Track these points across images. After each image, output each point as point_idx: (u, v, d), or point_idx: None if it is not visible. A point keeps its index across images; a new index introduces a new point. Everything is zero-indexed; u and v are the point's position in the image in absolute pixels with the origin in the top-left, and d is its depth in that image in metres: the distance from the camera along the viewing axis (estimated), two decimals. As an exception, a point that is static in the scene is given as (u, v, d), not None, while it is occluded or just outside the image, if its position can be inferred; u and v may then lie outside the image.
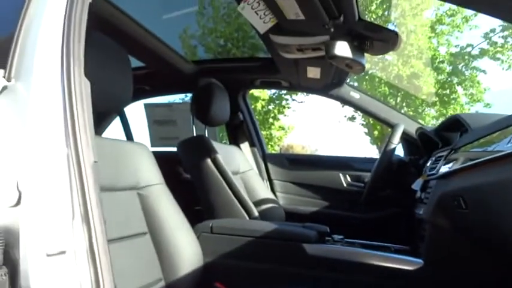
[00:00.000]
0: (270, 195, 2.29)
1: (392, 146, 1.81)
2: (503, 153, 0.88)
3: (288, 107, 11.54)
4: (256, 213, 1.83)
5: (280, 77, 2.22)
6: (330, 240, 1.54)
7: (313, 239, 1.47)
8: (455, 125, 1.53)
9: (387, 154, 1.82)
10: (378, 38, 1.47)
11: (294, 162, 2.53)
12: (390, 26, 10.65)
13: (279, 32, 1.49)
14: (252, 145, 2.53)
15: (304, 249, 1.44)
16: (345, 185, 2.30)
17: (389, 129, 2.07)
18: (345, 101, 2.26)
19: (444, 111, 10.19)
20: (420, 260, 1.34)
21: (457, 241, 1.26)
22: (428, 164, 1.56)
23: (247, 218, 1.80)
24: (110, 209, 0.80)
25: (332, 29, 1.39)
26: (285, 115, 11.75)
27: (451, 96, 10.05)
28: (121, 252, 1.10)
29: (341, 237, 1.58)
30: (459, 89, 10.00)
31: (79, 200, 0.67)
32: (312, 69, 1.89)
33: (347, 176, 2.32)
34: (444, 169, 1.34)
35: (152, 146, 2.77)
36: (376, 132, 12.70)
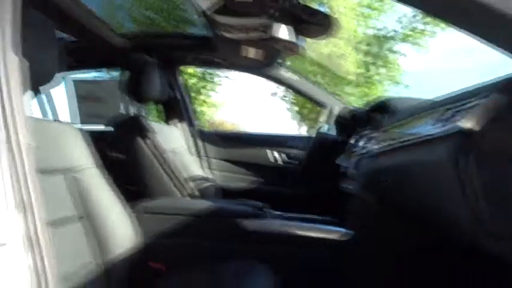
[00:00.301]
0: (206, 174, 2.30)
1: (326, 126, 1.90)
2: (426, 136, 0.98)
3: (220, 84, 11.45)
4: (193, 192, 1.84)
5: (218, 56, 2.20)
6: (266, 215, 1.60)
7: (250, 214, 1.53)
8: (383, 108, 1.65)
9: (321, 133, 1.91)
10: (315, 22, 1.51)
11: (229, 140, 2.56)
12: (322, 8, 10.92)
13: (222, 12, 1.48)
14: (186, 123, 2.50)
15: (241, 225, 1.48)
16: (279, 162, 2.38)
17: (320, 109, 2.17)
18: (282, 82, 2.32)
19: (367, 91, 10.81)
20: (351, 231, 1.46)
21: (383, 215, 1.38)
22: (356, 142, 1.68)
23: (185, 197, 1.81)
24: (42, 193, 0.75)
25: (275, 12, 1.41)
26: (216, 92, 11.67)
27: (375, 78, 10.68)
28: (55, 237, 1.05)
29: (276, 212, 1.65)
30: (382, 70, 10.64)
31: (16, 186, 0.63)
32: (251, 50, 1.90)
33: (281, 153, 2.40)
34: (372, 148, 1.44)
35: (80, 123, 2.62)
36: (305, 111, 13.16)
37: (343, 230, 1.48)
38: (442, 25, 9.31)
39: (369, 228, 1.43)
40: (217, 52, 2.11)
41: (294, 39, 1.55)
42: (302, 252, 1.47)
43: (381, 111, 1.66)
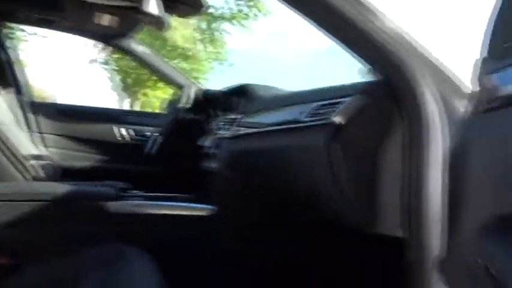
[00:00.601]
0: (42, 151, 2.03)
1: (182, 105, 1.92)
2: (300, 124, 1.13)
3: (25, 41, 9.77)
4: (37, 173, 1.61)
5: (61, 16, 1.91)
6: (128, 196, 1.55)
7: (112, 196, 1.46)
8: (241, 92, 1.77)
9: (177, 111, 1.92)
10: (186, 1, 1.50)
11: (66, 114, 2.30)
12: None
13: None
14: (13, 91, 2.12)
15: (103, 208, 1.41)
16: (127, 138, 2.27)
17: (147, 75, 2.16)
18: (132, 54, 2.19)
19: (194, 66, 11.06)
20: (214, 207, 1.55)
21: (245, 191, 1.52)
22: (219, 124, 1.76)
23: (27, 179, 1.57)
24: None
25: None
26: (21, 50, 9.93)
27: (202, 53, 10.99)
28: None
29: (138, 191, 1.60)
30: (209, 46, 11.01)
31: None
32: (106, 17, 1.74)
33: (128, 130, 2.29)
34: (235, 131, 1.55)
35: None
36: (129, 80, 12.57)
37: (206, 206, 1.57)
38: (264, 10, 10.26)
39: (232, 204, 1.55)
40: (62, 13, 1.84)
41: (162, 15, 1.51)
42: (169, 230, 1.49)
43: (238, 95, 1.78)
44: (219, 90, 2.04)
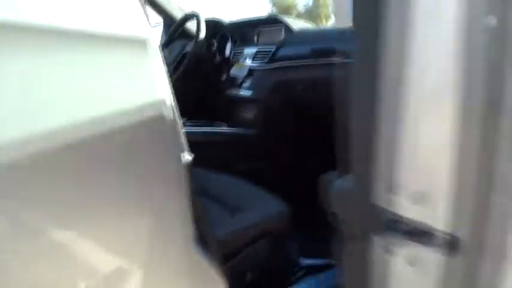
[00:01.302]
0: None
1: (201, 38, 1.90)
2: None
3: None
4: None
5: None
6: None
7: None
8: (270, 22, 1.85)
9: (197, 47, 1.89)
10: None
11: None
12: None
13: None
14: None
15: None
16: None
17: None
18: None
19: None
20: (253, 131, 1.75)
21: (285, 116, 1.73)
22: (247, 55, 1.86)
23: None
24: None
25: None
26: None
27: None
28: None
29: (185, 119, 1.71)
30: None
31: None
32: None
33: None
34: (274, 62, 1.70)
35: None
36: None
37: (248, 130, 1.75)
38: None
39: (272, 126, 1.74)
40: None
41: None
42: (214, 153, 1.65)
43: (265, 26, 1.86)
44: (233, 21, 2.04)
